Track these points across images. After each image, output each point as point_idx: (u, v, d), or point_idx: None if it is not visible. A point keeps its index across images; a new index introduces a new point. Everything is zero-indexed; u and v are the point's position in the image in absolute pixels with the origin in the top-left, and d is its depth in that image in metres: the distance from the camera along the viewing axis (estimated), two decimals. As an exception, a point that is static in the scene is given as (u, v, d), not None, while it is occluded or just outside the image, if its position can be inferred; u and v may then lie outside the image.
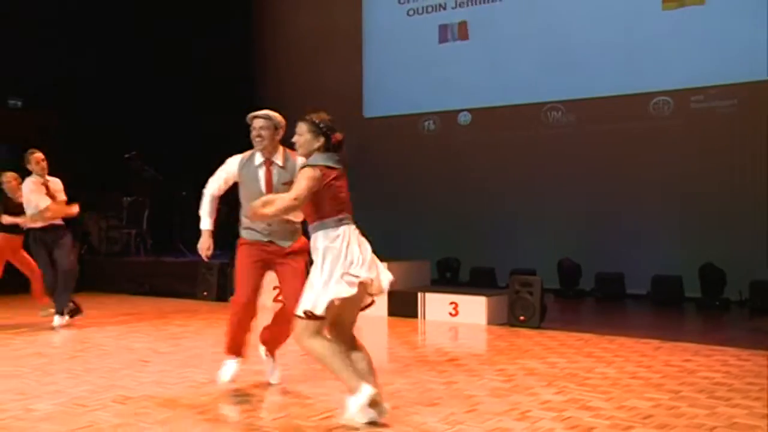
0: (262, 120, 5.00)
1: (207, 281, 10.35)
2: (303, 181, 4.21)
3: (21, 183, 8.09)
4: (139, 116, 13.22)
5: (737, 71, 10.00)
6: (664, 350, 6.66)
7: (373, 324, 8.32)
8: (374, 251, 4.37)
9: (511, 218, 11.59)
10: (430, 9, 12.72)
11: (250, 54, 14.71)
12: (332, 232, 4.22)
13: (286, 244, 5.08)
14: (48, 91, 12.97)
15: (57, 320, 7.78)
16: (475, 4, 12.25)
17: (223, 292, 10.17)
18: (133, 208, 12.48)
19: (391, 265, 8.86)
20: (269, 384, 5.39)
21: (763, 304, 9.05)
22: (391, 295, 8.79)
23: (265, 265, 5.16)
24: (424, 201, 12.33)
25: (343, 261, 4.16)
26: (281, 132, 5.05)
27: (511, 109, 11.87)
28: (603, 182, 10.97)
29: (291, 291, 4.89)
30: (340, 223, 4.25)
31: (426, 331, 8.03)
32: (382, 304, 8.79)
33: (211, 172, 5.25)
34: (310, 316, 4.17)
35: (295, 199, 4.18)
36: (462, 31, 12.38)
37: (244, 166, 5.09)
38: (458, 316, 8.38)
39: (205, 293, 10.31)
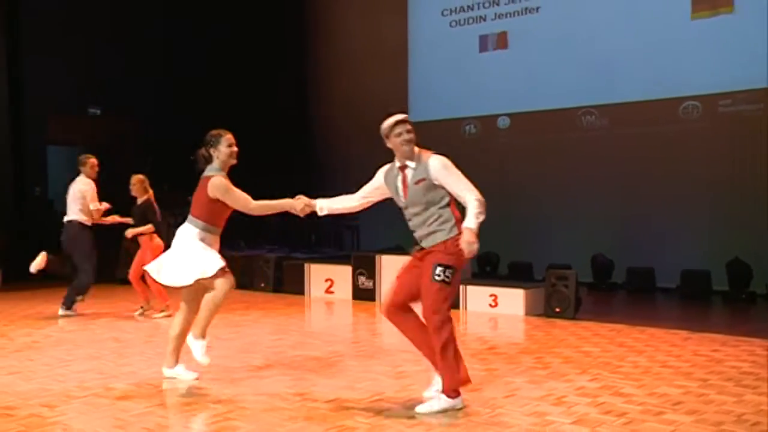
0: (408, 124, 4.45)
1: (264, 274, 10.45)
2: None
3: (146, 185, 8.08)
4: (204, 123, 13.40)
5: (764, 76, 9.76)
6: (693, 341, 6.56)
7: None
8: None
9: (548, 216, 11.50)
10: (471, 20, 12.69)
11: (305, 62, 14.78)
12: None
13: (427, 246, 4.42)
14: (123, 100, 13.29)
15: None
16: (514, 15, 12.17)
17: (278, 284, 10.28)
18: (197, 205, 12.62)
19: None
20: (327, 365, 5.43)
21: (789, 298, 8.86)
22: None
23: (413, 272, 4.48)
24: (464, 200, 12.28)
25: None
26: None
27: (548, 114, 11.77)
28: (634, 182, 10.82)
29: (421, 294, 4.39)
30: None
31: (467, 321, 8.01)
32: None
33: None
34: None
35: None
36: (501, 41, 12.31)
37: (387, 175, 4.59)
38: (497, 308, 8.35)
39: (262, 285, 10.41)
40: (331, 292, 9.65)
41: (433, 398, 4.39)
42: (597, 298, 9.72)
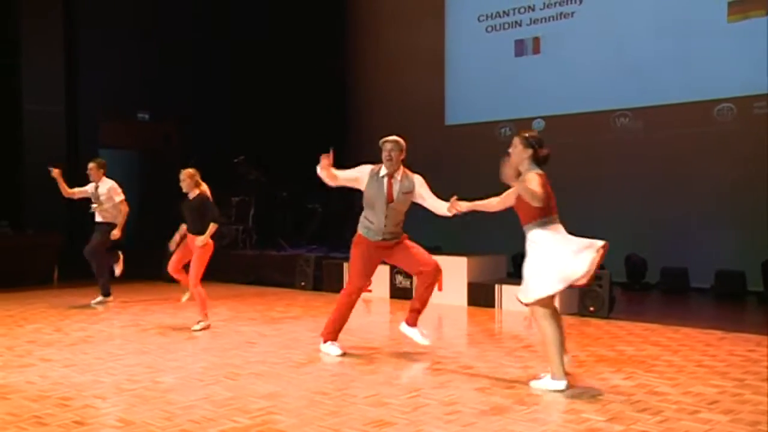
0: (391, 144, 5.61)
1: (304, 273, 10.50)
2: (534, 181, 4.89)
3: (197, 179, 7.21)
4: (246, 126, 13.57)
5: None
6: (728, 340, 6.43)
7: (454, 313, 8.31)
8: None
9: (581, 216, 11.22)
10: (506, 26, 12.61)
11: (344, 65, 14.80)
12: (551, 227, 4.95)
13: (393, 242, 5.73)
14: (170, 106, 13.49)
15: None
16: (549, 20, 12.05)
17: (318, 283, 10.31)
18: (240, 207, 12.72)
19: (470, 260, 8.93)
20: (362, 364, 5.45)
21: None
22: (471, 286, 8.78)
23: (377, 259, 5.79)
24: (500, 200, 12.21)
25: (556, 256, 4.82)
26: (404, 154, 5.65)
27: (582, 116, 11.64)
28: (668, 183, 10.64)
29: (416, 259, 5.69)
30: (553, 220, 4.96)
31: (502, 320, 7.96)
32: (462, 294, 8.77)
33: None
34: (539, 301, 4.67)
35: (535, 193, 4.88)
36: (536, 46, 12.21)
37: (372, 175, 5.66)
38: (532, 307, 8.26)
39: (302, 283, 10.45)
40: (369, 291, 9.65)
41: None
42: (631, 298, 9.58)
